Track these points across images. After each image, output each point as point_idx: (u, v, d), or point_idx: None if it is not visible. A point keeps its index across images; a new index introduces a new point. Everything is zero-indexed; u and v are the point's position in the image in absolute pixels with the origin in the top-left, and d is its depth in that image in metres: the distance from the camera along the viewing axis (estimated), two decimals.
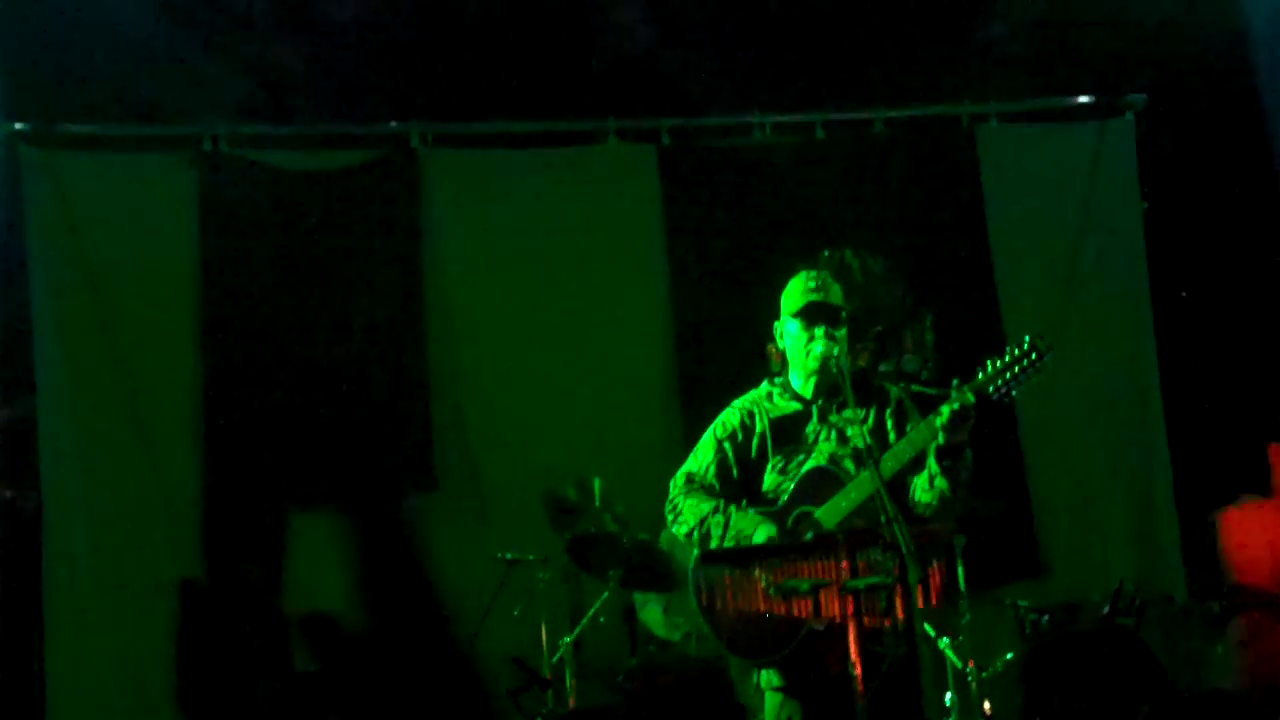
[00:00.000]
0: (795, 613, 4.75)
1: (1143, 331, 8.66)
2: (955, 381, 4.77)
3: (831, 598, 4.65)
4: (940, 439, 4.76)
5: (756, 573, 4.84)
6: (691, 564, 5.10)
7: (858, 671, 4.43)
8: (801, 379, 5.18)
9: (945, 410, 4.72)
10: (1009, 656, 6.62)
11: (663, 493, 5.27)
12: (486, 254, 8.38)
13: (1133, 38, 8.23)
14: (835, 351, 5.01)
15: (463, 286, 8.36)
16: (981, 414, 4.75)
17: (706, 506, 5.06)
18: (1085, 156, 8.76)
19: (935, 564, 4.63)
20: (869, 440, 4.85)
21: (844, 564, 4.58)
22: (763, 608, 4.81)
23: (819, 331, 5.07)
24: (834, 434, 5.09)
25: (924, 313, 8.46)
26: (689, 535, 5.10)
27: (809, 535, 4.87)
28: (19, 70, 7.72)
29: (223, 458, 7.95)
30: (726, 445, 5.19)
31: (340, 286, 8.20)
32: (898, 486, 4.85)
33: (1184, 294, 8.64)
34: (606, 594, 6.88)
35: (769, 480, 5.10)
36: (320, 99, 8.11)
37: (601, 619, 6.96)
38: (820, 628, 4.72)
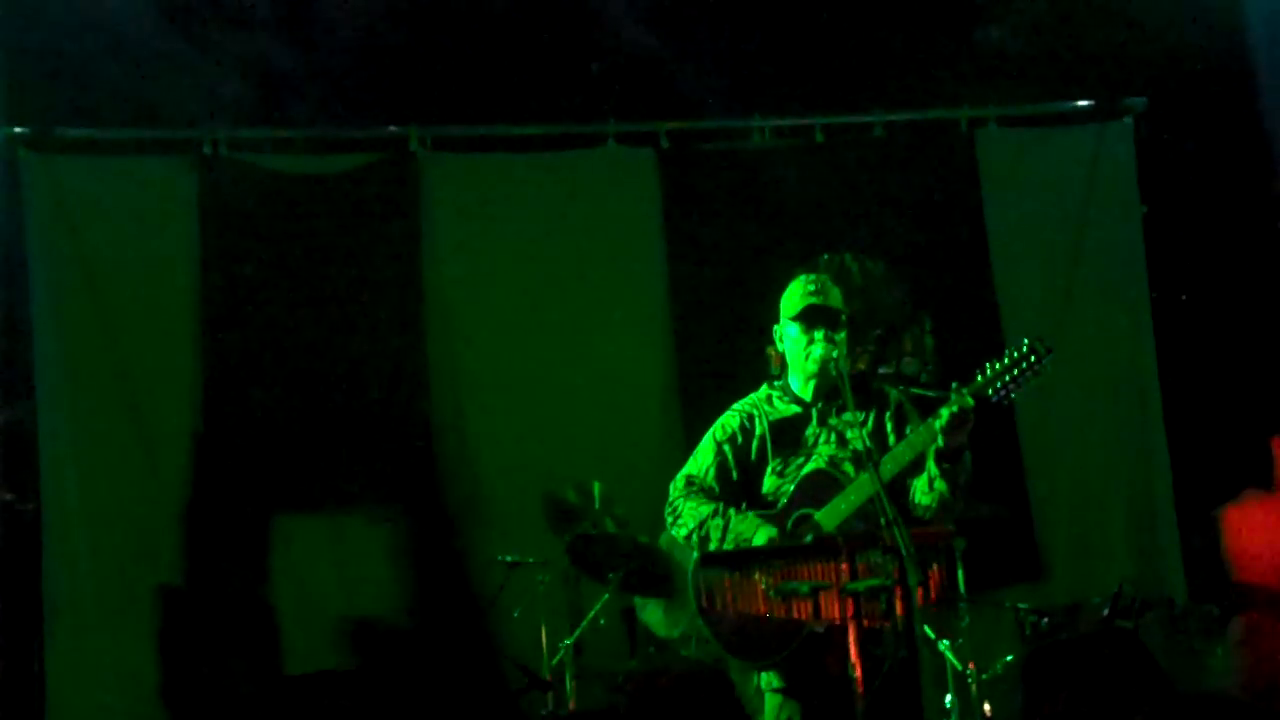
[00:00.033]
0: (795, 615, 4.75)
1: (1142, 335, 8.66)
2: (954, 384, 4.78)
3: (831, 600, 4.65)
4: (940, 441, 4.77)
5: (756, 575, 4.84)
6: (691, 566, 5.11)
7: (858, 673, 4.44)
8: (801, 382, 5.19)
9: (944, 413, 4.73)
10: (1009, 659, 6.62)
11: (662, 495, 5.27)
12: (486, 257, 8.38)
13: (1132, 41, 8.24)
14: (835, 354, 5.02)
15: (462, 289, 8.36)
16: (981, 416, 4.76)
17: (706, 509, 5.06)
18: (1084, 160, 8.76)
19: (935, 567, 4.63)
20: (868, 443, 4.86)
21: (844, 566, 4.59)
22: (763, 610, 4.81)
23: (818, 334, 5.08)
24: (833, 437, 5.10)
25: (923, 316, 8.47)
26: (688, 538, 5.10)
27: (809, 538, 4.88)
28: (18, 74, 7.71)
29: (222, 459, 7.94)
30: (726, 448, 5.19)
31: (340, 290, 8.19)
32: (897, 489, 4.86)
33: (1183, 297, 8.65)
34: (606, 596, 6.88)
35: (768, 483, 5.11)
36: (320, 102, 8.10)
37: (601, 621, 6.95)
38: (820, 630, 4.73)
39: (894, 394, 5.21)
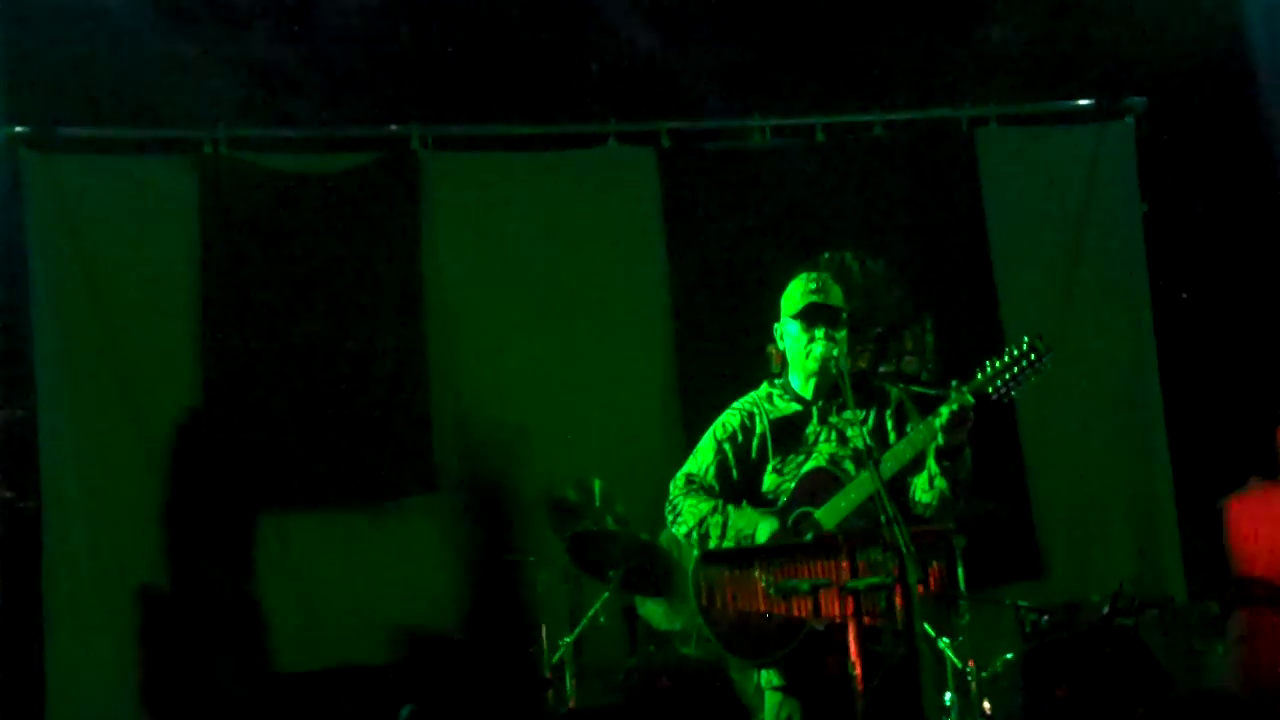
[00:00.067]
0: (795, 613, 4.76)
1: (1143, 333, 8.66)
2: (954, 382, 4.80)
3: (831, 598, 4.66)
4: (940, 439, 4.78)
5: (756, 573, 4.85)
6: (691, 564, 5.12)
7: (858, 671, 4.45)
8: (801, 380, 5.20)
9: (944, 411, 4.74)
10: (1009, 657, 6.62)
11: (663, 493, 5.28)
12: (486, 256, 8.38)
13: (1132, 41, 8.24)
14: (835, 353, 5.03)
15: (463, 289, 8.36)
16: (981, 415, 4.77)
17: (705, 506, 5.07)
18: (1085, 159, 8.76)
19: (935, 564, 4.64)
20: (869, 441, 4.87)
21: (844, 564, 4.60)
22: (763, 608, 4.82)
23: (819, 333, 5.09)
24: (834, 435, 5.10)
25: (924, 314, 8.47)
26: (688, 535, 5.11)
27: (809, 536, 4.89)
28: (19, 73, 7.71)
29: (222, 458, 7.94)
30: (726, 446, 5.20)
31: (340, 289, 8.19)
32: (897, 487, 4.87)
33: (1184, 296, 8.65)
34: (606, 594, 6.89)
35: (769, 481, 5.11)
36: (320, 101, 8.10)
37: (601, 619, 6.96)
38: (820, 628, 4.74)
39: (894, 392, 5.22)
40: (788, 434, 5.15)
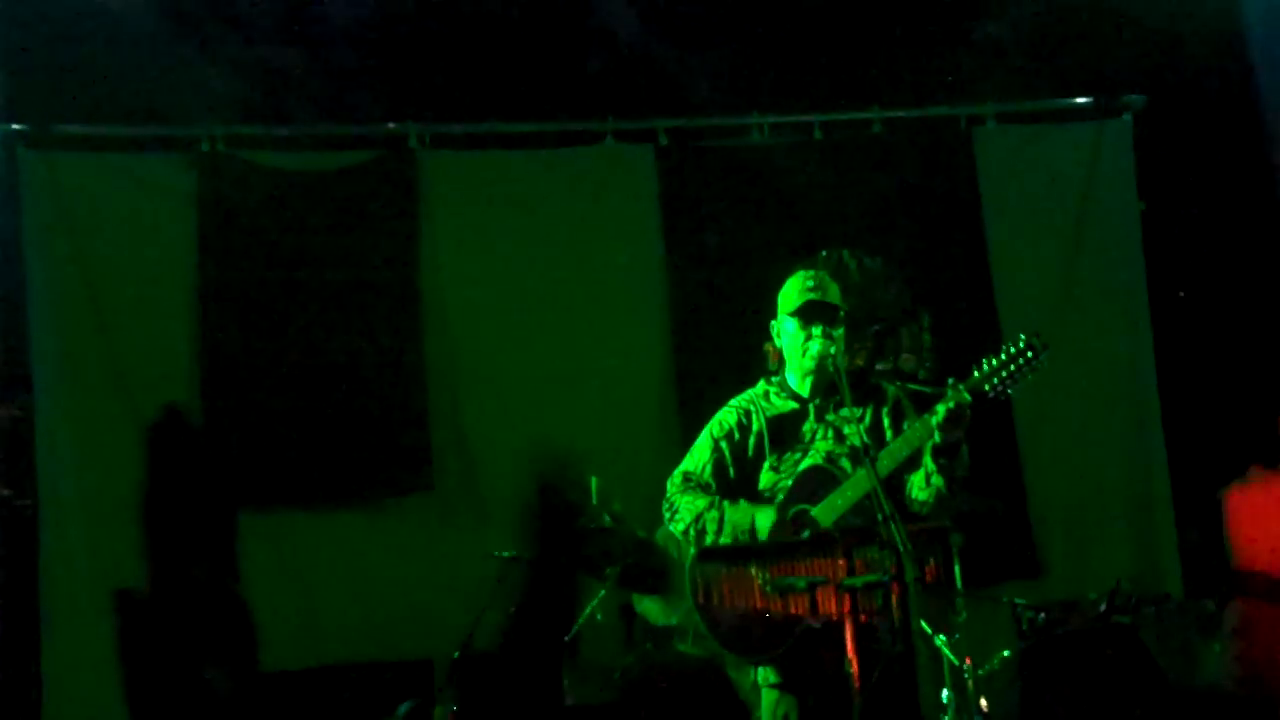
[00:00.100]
0: (792, 610, 4.76)
1: (1140, 332, 8.66)
2: (951, 380, 4.80)
3: (828, 595, 4.67)
4: (936, 437, 4.78)
5: (753, 570, 4.86)
6: (688, 562, 5.12)
7: (854, 669, 4.45)
8: (798, 378, 5.20)
9: (941, 409, 4.74)
10: (1006, 654, 6.61)
11: (659, 490, 5.28)
12: (484, 255, 8.38)
13: (1130, 39, 8.24)
14: (832, 350, 5.04)
15: (460, 287, 8.36)
16: (978, 412, 4.77)
17: (702, 503, 5.08)
18: (1083, 157, 8.76)
19: (931, 562, 4.65)
20: (866, 439, 4.87)
21: (841, 562, 4.60)
22: (760, 605, 4.83)
23: (816, 330, 5.10)
24: (831, 432, 5.11)
25: (921, 312, 8.47)
26: (685, 532, 5.12)
27: (806, 533, 4.89)
28: (16, 71, 7.72)
29: (219, 456, 7.94)
30: (723, 444, 5.20)
31: (338, 287, 8.19)
32: (894, 485, 4.87)
33: (1181, 294, 8.65)
34: (603, 591, 6.89)
35: (765, 479, 5.11)
36: (318, 100, 8.11)
37: (598, 617, 6.95)
38: (817, 625, 4.74)
39: (891, 390, 5.22)
40: (785, 432, 5.15)
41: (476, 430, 8.25)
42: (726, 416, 5.26)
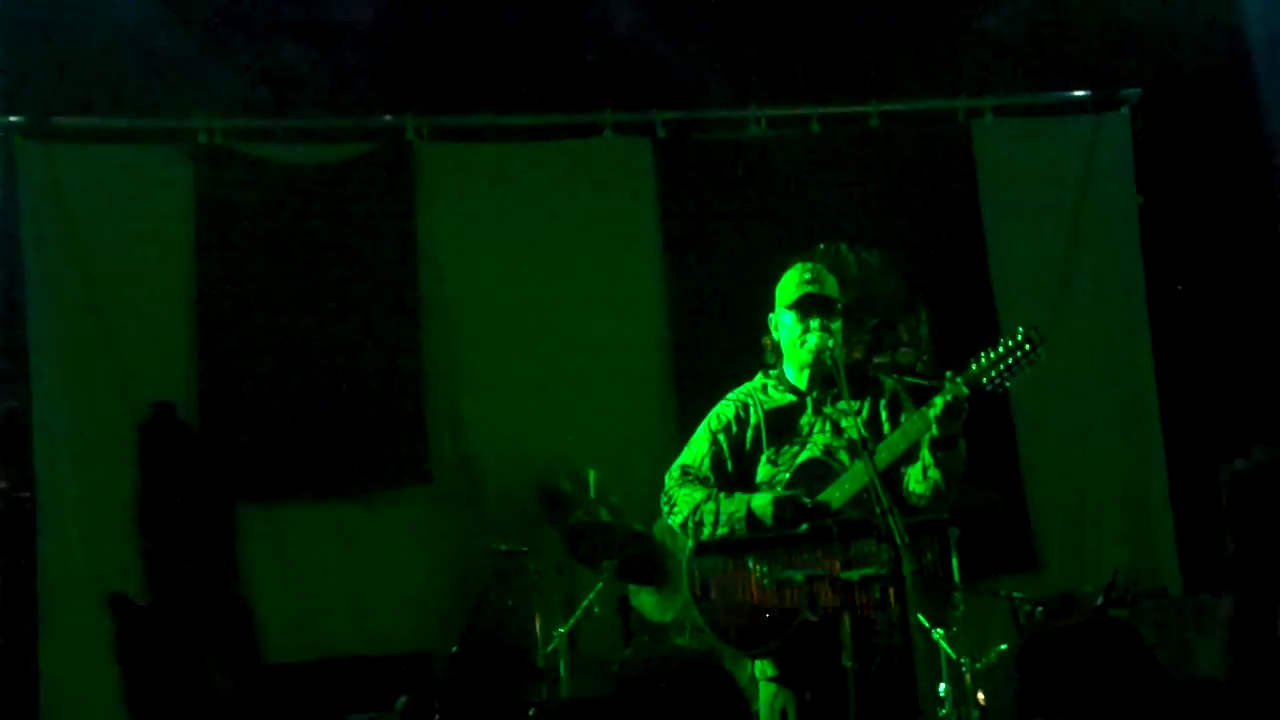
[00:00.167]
0: (790, 604, 4.76)
1: (1138, 325, 8.66)
2: (949, 373, 4.80)
3: (826, 589, 4.67)
4: (934, 430, 4.79)
5: (751, 564, 4.86)
6: (686, 555, 5.12)
7: (852, 662, 4.45)
8: (796, 371, 5.20)
9: (939, 401, 4.75)
10: (1003, 647, 6.63)
11: (657, 483, 5.29)
12: (482, 247, 8.37)
13: (1128, 31, 8.24)
14: (830, 344, 5.04)
15: (458, 280, 8.35)
16: (976, 405, 4.78)
17: (699, 495, 5.08)
18: (1080, 151, 8.76)
19: (929, 556, 4.65)
20: (863, 431, 4.88)
21: (838, 555, 4.61)
22: (757, 599, 4.83)
23: (814, 323, 5.09)
24: (829, 425, 5.11)
25: (919, 305, 8.47)
26: (683, 525, 5.12)
27: (804, 526, 4.89)
28: (14, 63, 7.70)
29: (217, 450, 7.94)
30: (721, 437, 5.20)
31: (335, 280, 8.18)
32: (892, 478, 4.88)
33: (1179, 287, 8.65)
34: (601, 585, 6.89)
35: (763, 471, 5.11)
36: (316, 92, 8.08)
37: (596, 610, 6.96)
38: (815, 619, 4.74)
39: (889, 382, 5.23)
40: (782, 424, 5.15)
41: (474, 422, 8.25)
42: (724, 409, 5.26)
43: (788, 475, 5.05)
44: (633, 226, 8.49)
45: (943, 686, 6.53)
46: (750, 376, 5.34)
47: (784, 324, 5.18)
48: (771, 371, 5.29)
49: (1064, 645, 6.32)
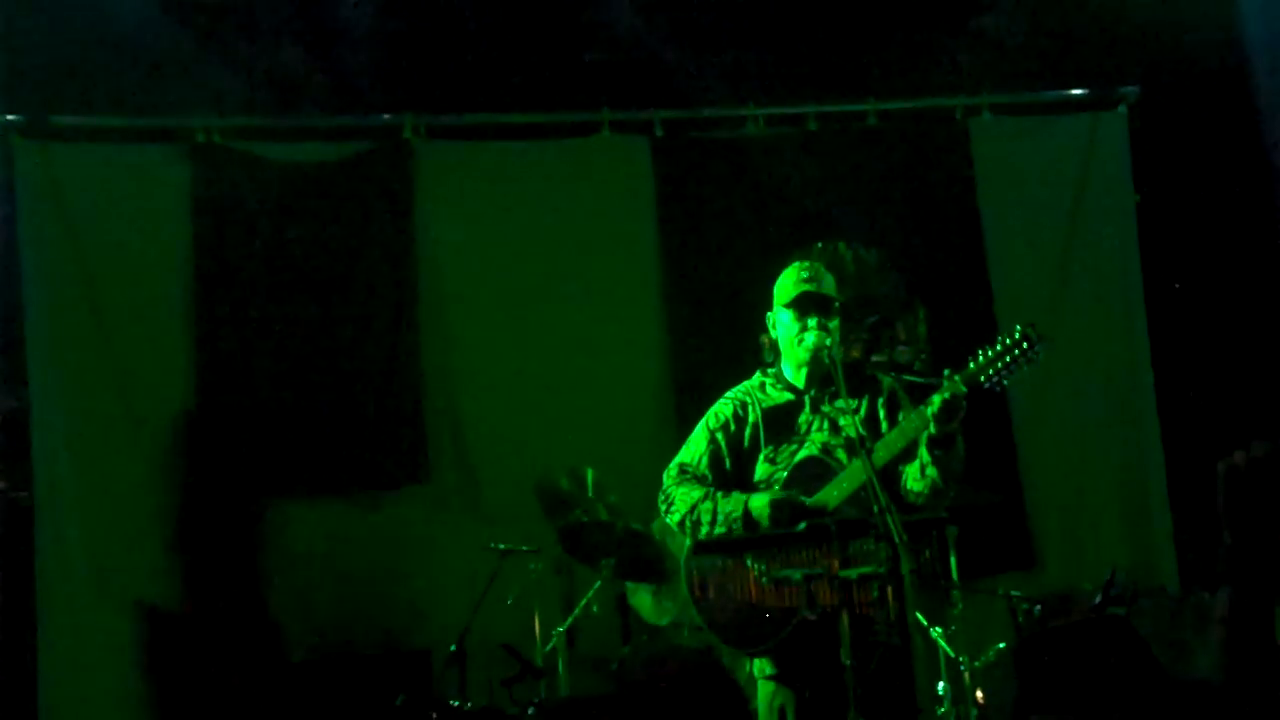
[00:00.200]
0: (788, 602, 4.77)
1: (1136, 323, 8.66)
2: (947, 371, 4.80)
3: (824, 587, 4.67)
4: (932, 428, 4.79)
5: (749, 563, 4.87)
6: (684, 554, 5.12)
7: (850, 661, 4.45)
8: (794, 369, 5.20)
9: (936, 399, 4.75)
10: (1001, 646, 6.63)
11: (656, 482, 5.28)
12: (480, 246, 8.37)
13: (1125, 30, 8.23)
14: (828, 342, 5.03)
15: (456, 278, 8.35)
16: (974, 404, 4.77)
17: (697, 494, 5.08)
18: (1078, 149, 8.77)
19: (927, 554, 4.65)
20: (861, 430, 4.88)
21: (836, 554, 4.61)
22: (755, 598, 4.83)
23: (812, 322, 5.09)
24: (826, 424, 5.10)
25: (917, 304, 8.47)
26: (681, 524, 5.12)
27: (801, 525, 4.89)
28: (12, 62, 7.70)
29: (214, 449, 7.94)
30: (719, 436, 5.20)
31: (333, 279, 8.19)
32: (889, 476, 4.87)
33: (1177, 286, 8.65)
34: (599, 583, 6.89)
35: (761, 470, 5.11)
36: (314, 91, 8.09)
37: (594, 608, 6.96)
38: (813, 617, 4.74)
39: (887, 381, 5.23)
40: (780, 423, 5.15)
41: (472, 421, 8.25)
42: (723, 408, 5.26)
43: (786, 474, 5.05)
44: (630, 225, 8.49)
45: (941, 685, 6.53)
46: (748, 375, 5.33)
47: (782, 322, 5.18)
48: (769, 370, 5.28)
49: (1062, 643, 6.35)
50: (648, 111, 8.52)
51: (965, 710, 6.47)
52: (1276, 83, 8.15)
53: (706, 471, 5.17)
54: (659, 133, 8.52)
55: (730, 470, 5.16)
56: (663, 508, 5.22)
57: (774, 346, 5.30)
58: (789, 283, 5.17)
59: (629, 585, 7.18)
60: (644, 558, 6.86)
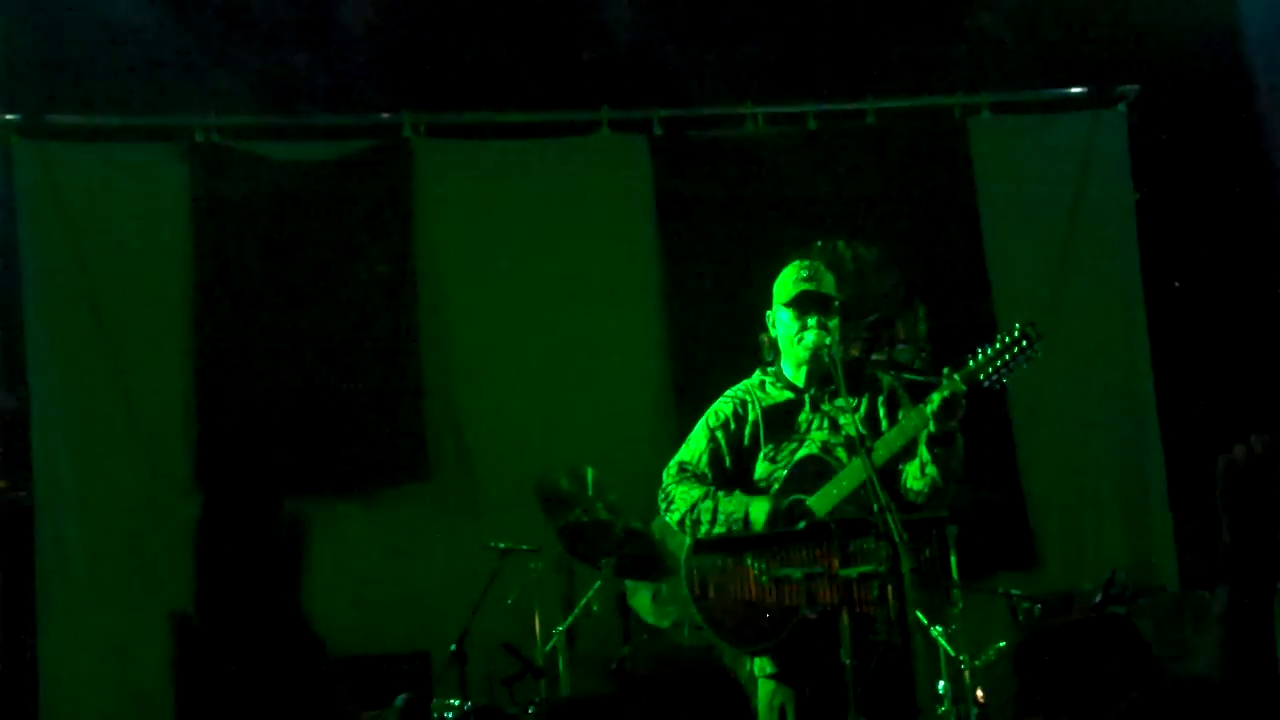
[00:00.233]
0: (788, 601, 4.76)
1: (1135, 321, 8.66)
2: (946, 369, 4.80)
3: (824, 586, 4.67)
4: (931, 426, 4.79)
5: (749, 561, 4.86)
6: (684, 553, 5.12)
7: (851, 660, 4.45)
8: (793, 368, 5.20)
9: (936, 397, 4.75)
10: (1002, 645, 6.63)
11: (656, 481, 5.28)
12: (479, 244, 8.37)
13: (1125, 28, 8.23)
14: (827, 341, 5.03)
15: (455, 277, 8.35)
16: (974, 403, 4.77)
17: (697, 493, 5.08)
18: (1077, 147, 8.77)
19: (928, 553, 4.65)
20: (861, 429, 4.87)
21: (836, 552, 4.60)
22: (756, 597, 4.82)
23: (811, 321, 5.09)
24: (826, 422, 5.10)
25: (916, 303, 8.47)
26: (681, 522, 5.11)
27: (801, 524, 4.89)
28: (11, 60, 7.70)
29: (214, 448, 7.94)
30: (719, 434, 5.20)
31: (333, 277, 8.19)
32: (889, 475, 4.87)
33: (1176, 284, 8.65)
34: (599, 583, 6.88)
35: (761, 469, 5.11)
36: (313, 89, 8.09)
37: (595, 608, 6.95)
38: (813, 616, 4.74)
39: (886, 379, 5.22)
40: (780, 421, 5.15)
41: (472, 420, 8.25)
42: (722, 406, 5.26)
43: (785, 472, 5.05)
44: (629, 223, 8.50)
45: (941, 684, 6.53)
46: (748, 374, 5.33)
47: (781, 321, 5.18)
48: (769, 369, 5.28)
49: (1062, 643, 6.31)
50: (647, 110, 8.52)
51: (965, 709, 6.46)
52: (1276, 82, 8.15)
53: (706, 470, 5.17)
54: (658, 131, 8.51)
55: (730, 468, 5.16)
56: (662, 506, 5.22)
57: (774, 345, 5.30)
58: (788, 281, 5.17)
59: (629, 586, 7.17)
60: (644, 557, 6.84)
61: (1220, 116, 8.32)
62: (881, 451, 4.83)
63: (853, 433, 4.88)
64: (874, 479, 4.49)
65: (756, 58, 8.37)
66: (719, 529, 4.99)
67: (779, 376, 5.23)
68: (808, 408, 5.14)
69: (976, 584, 7.16)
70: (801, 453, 5.07)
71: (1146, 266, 8.66)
